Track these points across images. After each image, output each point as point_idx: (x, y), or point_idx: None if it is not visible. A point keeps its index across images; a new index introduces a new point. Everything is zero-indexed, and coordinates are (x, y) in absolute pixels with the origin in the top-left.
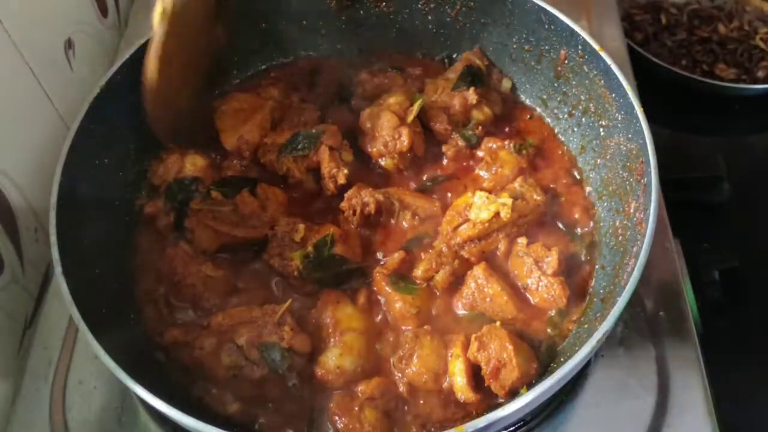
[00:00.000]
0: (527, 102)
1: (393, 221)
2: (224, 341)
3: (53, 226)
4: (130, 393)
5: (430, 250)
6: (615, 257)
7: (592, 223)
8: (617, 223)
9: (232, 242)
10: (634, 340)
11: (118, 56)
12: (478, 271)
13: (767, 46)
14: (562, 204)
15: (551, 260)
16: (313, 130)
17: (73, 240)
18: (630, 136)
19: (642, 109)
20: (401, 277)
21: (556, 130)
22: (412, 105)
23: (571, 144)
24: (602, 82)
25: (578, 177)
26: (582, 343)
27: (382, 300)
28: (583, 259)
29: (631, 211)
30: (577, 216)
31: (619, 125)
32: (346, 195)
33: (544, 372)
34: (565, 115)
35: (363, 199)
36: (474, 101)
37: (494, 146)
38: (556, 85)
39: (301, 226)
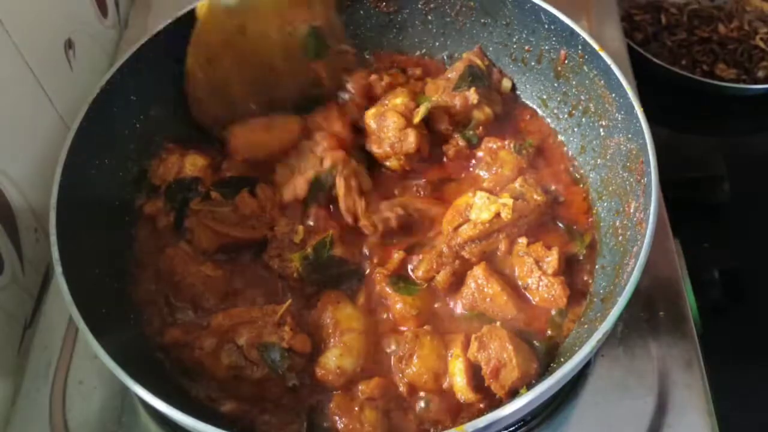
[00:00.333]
0: (527, 102)
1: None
2: (224, 341)
3: (53, 226)
4: (130, 393)
5: (432, 250)
6: (615, 257)
7: (592, 223)
8: (617, 223)
9: (231, 242)
10: (634, 340)
11: (118, 56)
12: (478, 271)
13: (767, 46)
14: (562, 204)
15: (551, 260)
16: (327, 165)
17: (73, 240)
18: (630, 136)
19: (642, 109)
20: (401, 277)
21: (556, 130)
22: (417, 106)
23: (571, 144)
24: (602, 82)
25: (578, 177)
26: (582, 343)
27: (383, 301)
28: (583, 259)
29: (631, 211)
30: (577, 216)
31: (619, 125)
32: (362, 211)
33: (544, 372)
34: (565, 115)
35: (383, 215)
36: (475, 101)
37: (494, 146)
38: (556, 85)
39: (301, 228)
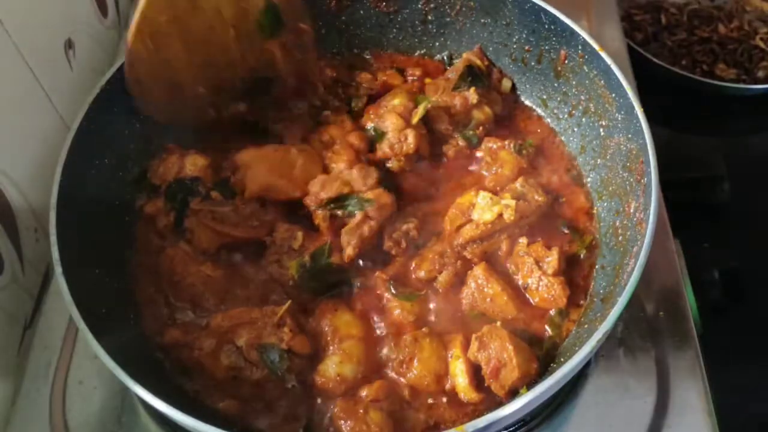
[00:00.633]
0: (527, 102)
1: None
2: (223, 342)
3: (53, 226)
4: (130, 393)
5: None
6: (615, 257)
7: (592, 223)
8: (617, 223)
9: (231, 242)
10: (634, 340)
11: (118, 56)
12: (479, 271)
13: (767, 46)
14: (562, 204)
15: (551, 260)
16: (367, 196)
17: (73, 240)
18: (630, 136)
19: (642, 109)
20: (401, 282)
21: (556, 130)
22: (416, 106)
23: (571, 144)
24: (602, 82)
25: (578, 177)
26: (582, 343)
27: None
28: (583, 259)
29: (631, 211)
30: (577, 216)
31: (619, 125)
32: (385, 234)
33: (544, 372)
34: (565, 115)
35: (402, 228)
36: (475, 101)
37: (494, 146)
38: (556, 85)
39: (300, 234)
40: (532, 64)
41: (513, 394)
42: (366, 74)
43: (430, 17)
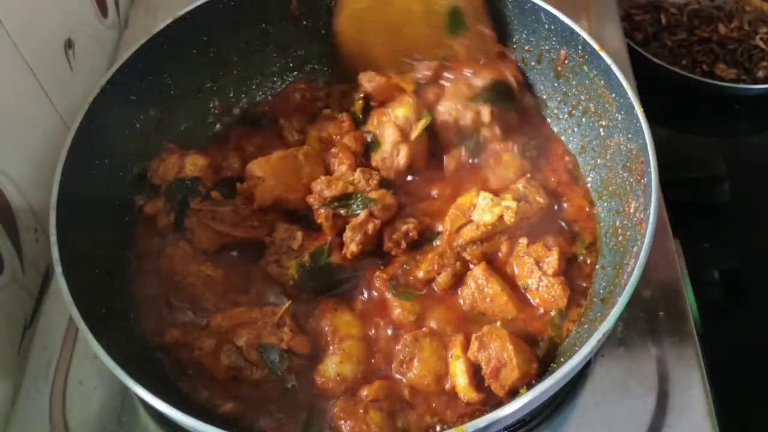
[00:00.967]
0: (527, 102)
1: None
2: (223, 342)
3: (53, 226)
4: (130, 393)
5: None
6: (615, 257)
7: (592, 223)
8: (617, 223)
9: (232, 242)
10: (634, 340)
11: (118, 56)
12: (478, 271)
13: (767, 46)
14: (562, 204)
15: (551, 260)
16: (371, 196)
17: (74, 240)
18: (630, 136)
19: (642, 109)
20: (401, 281)
21: (556, 130)
22: (418, 119)
23: (571, 144)
24: (602, 82)
25: (578, 177)
26: (582, 343)
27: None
28: (583, 259)
29: (631, 211)
30: (577, 216)
31: (619, 125)
32: (385, 235)
33: (544, 372)
34: (565, 115)
35: (402, 228)
36: (487, 121)
37: (497, 147)
38: (556, 85)
39: (299, 234)
40: (532, 64)
41: (513, 394)
42: (369, 73)
43: None
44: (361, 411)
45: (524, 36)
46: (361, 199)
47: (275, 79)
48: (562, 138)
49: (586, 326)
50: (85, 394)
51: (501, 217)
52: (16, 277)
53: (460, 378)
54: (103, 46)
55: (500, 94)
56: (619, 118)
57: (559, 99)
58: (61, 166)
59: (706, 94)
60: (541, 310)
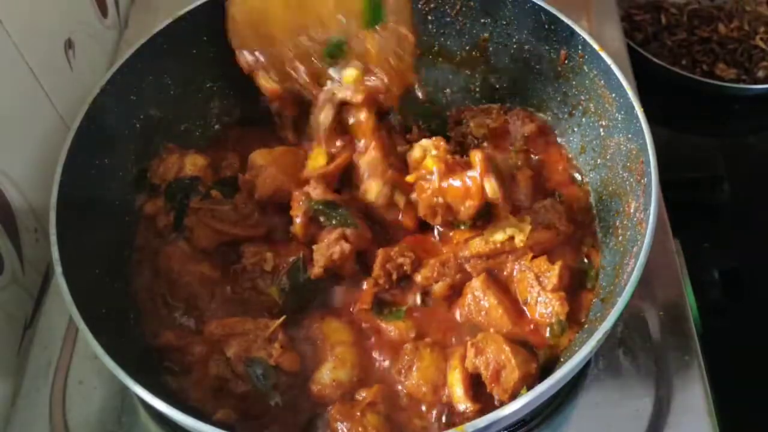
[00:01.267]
0: (527, 102)
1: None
2: (214, 351)
3: (53, 226)
4: (130, 393)
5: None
6: (615, 257)
7: (592, 224)
8: (617, 223)
9: (231, 241)
10: (634, 340)
11: (118, 56)
12: (476, 283)
13: (767, 46)
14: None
15: (552, 275)
16: (350, 221)
17: (73, 240)
18: (630, 136)
19: (642, 109)
20: (382, 303)
21: (556, 131)
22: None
23: (571, 144)
24: (602, 82)
25: (578, 177)
26: (582, 343)
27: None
28: (588, 279)
29: (631, 211)
30: (576, 216)
31: (619, 125)
32: (377, 262)
33: (544, 373)
34: (565, 115)
35: (397, 261)
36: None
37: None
38: (556, 85)
39: (269, 255)
40: (532, 64)
41: (515, 397)
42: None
43: (429, 17)
44: (359, 414)
45: (524, 36)
46: (344, 215)
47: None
48: (562, 138)
49: (586, 326)
50: (85, 394)
51: (512, 238)
52: (16, 277)
53: (456, 388)
54: (103, 46)
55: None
56: (619, 118)
57: (559, 99)
58: (61, 166)
59: (706, 94)
60: (539, 326)
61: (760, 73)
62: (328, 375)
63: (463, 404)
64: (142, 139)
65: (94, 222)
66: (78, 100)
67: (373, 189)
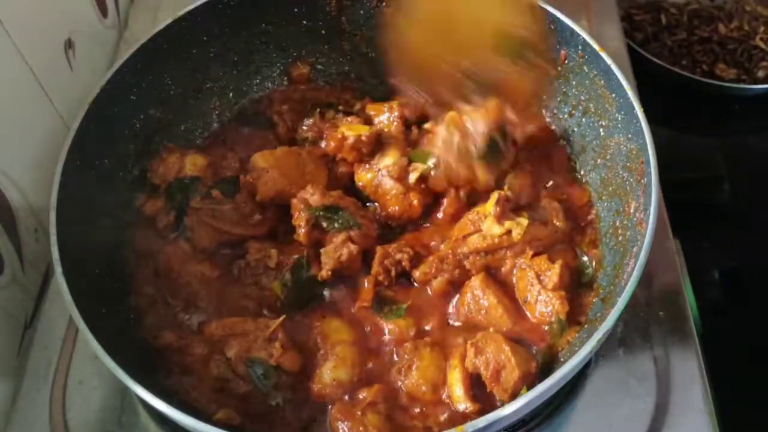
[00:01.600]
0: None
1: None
2: (214, 351)
3: (53, 226)
4: (130, 393)
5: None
6: (615, 257)
7: (592, 224)
8: (617, 223)
9: (231, 240)
10: (634, 340)
11: (118, 56)
12: (476, 282)
13: (767, 46)
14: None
15: (552, 274)
16: (353, 222)
17: (74, 240)
18: (630, 136)
19: (642, 109)
20: (382, 301)
21: (556, 130)
22: (409, 162)
23: (571, 144)
24: (602, 82)
25: (578, 177)
26: (582, 343)
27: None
28: (588, 278)
29: (631, 211)
30: (577, 215)
31: (619, 125)
32: (375, 259)
33: (544, 373)
34: (565, 115)
35: (395, 257)
36: (483, 181)
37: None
38: (556, 85)
39: (273, 251)
40: None
41: (515, 397)
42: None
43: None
44: (359, 413)
45: None
46: (346, 217)
47: (275, 78)
48: (562, 138)
49: (586, 326)
50: (85, 394)
51: (509, 232)
52: (16, 277)
53: (456, 387)
54: (103, 46)
55: (494, 154)
56: (619, 118)
57: (559, 99)
58: (61, 166)
59: (706, 94)
60: (538, 326)
61: (760, 73)
62: (329, 374)
63: (463, 404)
64: (142, 139)
65: (94, 222)
66: (78, 100)
67: (391, 156)
